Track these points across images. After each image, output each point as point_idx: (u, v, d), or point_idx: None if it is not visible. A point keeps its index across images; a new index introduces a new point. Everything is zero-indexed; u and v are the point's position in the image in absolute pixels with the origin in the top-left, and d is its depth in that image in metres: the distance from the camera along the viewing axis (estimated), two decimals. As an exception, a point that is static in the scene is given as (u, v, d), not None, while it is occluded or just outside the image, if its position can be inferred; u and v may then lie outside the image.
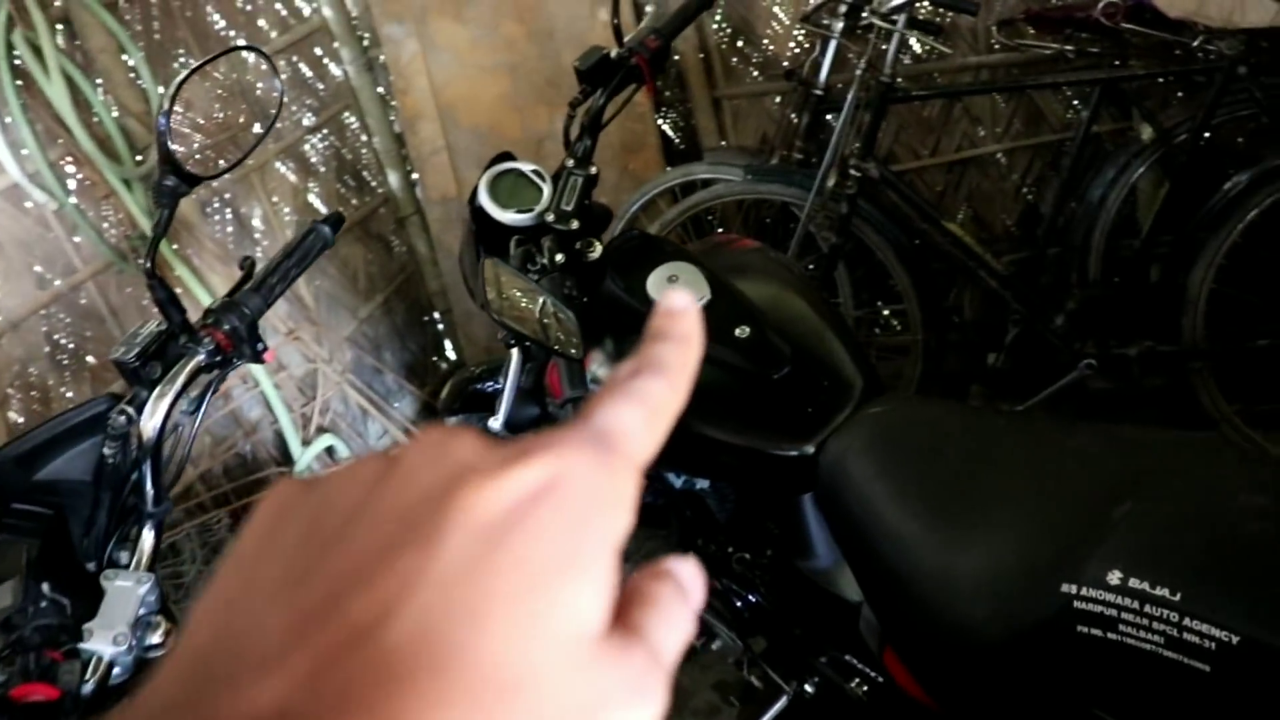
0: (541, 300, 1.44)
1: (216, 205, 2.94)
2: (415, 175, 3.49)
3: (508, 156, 1.85)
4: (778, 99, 3.26)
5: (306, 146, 3.26)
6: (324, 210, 3.34)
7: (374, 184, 3.55)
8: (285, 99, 1.54)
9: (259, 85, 2.96)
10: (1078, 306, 2.67)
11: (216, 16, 2.99)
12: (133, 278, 2.65)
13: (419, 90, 3.21)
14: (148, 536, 1.17)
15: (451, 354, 3.87)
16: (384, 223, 3.57)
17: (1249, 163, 2.46)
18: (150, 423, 1.13)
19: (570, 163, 1.78)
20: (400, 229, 3.59)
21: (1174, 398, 2.65)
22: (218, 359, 1.17)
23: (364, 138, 3.49)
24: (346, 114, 3.41)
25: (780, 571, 1.79)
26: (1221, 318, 2.57)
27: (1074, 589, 1.05)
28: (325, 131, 3.33)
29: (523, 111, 3.21)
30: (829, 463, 1.43)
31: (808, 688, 1.79)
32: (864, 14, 2.57)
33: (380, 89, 3.45)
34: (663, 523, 2.90)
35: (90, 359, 2.62)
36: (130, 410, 1.15)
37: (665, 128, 3.41)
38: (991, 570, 1.17)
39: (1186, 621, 0.96)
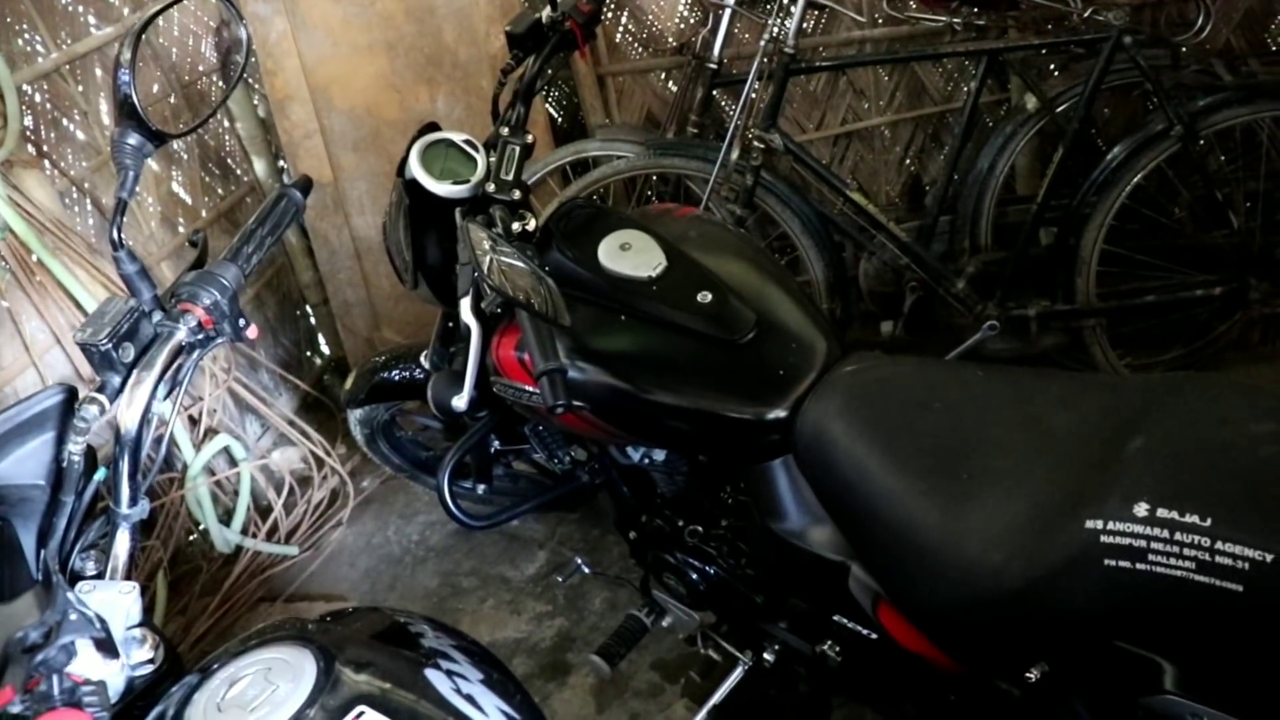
0: (524, 266, 1.39)
1: (76, 196, 2.74)
2: (284, 162, 3.34)
3: (434, 127, 1.78)
4: (663, 75, 3.26)
5: (166, 132, 3.07)
6: (189, 201, 3.16)
7: (239, 172, 3.38)
8: (250, 48, 1.44)
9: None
10: (977, 271, 2.76)
11: (63, -9, 2.78)
12: (-11, 276, 2.45)
13: (289, 71, 3.06)
14: (123, 541, 1.06)
15: (326, 348, 3.73)
16: (251, 213, 3.39)
17: (1131, 129, 2.60)
18: (129, 412, 1.03)
19: (505, 131, 1.73)
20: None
21: (1068, 353, 2.78)
22: (199, 337, 1.08)
23: (226, 123, 3.31)
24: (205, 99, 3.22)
25: (744, 537, 1.79)
26: (1111, 276, 2.71)
27: (1100, 524, 1.07)
28: (185, 118, 3.14)
29: (401, 91, 3.11)
30: (809, 426, 1.42)
31: (767, 655, 1.79)
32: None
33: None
34: (571, 506, 2.89)
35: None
36: (102, 399, 1.04)
37: (549, 106, 3.37)
38: (1004, 515, 1.19)
39: (1219, 545, 1.00)
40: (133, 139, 1.06)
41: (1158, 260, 2.71)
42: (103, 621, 0.83)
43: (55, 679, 0.79)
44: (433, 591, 2.73)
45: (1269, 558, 0.97)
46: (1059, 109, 2.75)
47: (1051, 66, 2.98)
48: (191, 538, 2.89)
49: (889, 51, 2.96)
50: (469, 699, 0.84)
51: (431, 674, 0.86)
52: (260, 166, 3.35)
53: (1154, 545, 1.04)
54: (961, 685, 1.47)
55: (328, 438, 3.16)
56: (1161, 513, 1.04)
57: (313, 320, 3.68)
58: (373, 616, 1.03)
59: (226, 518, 2.87)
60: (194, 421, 2.74)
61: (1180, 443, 1.11)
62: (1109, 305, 2.69)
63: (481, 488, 2.32)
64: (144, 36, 1.10)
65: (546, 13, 1.78)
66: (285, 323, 3.51)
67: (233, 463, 2.84)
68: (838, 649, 1.63)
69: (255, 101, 3.32)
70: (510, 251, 1.40)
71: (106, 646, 0.85)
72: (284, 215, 1.21)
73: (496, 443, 2.32)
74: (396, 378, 2.41)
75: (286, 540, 2.94)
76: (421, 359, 2.38)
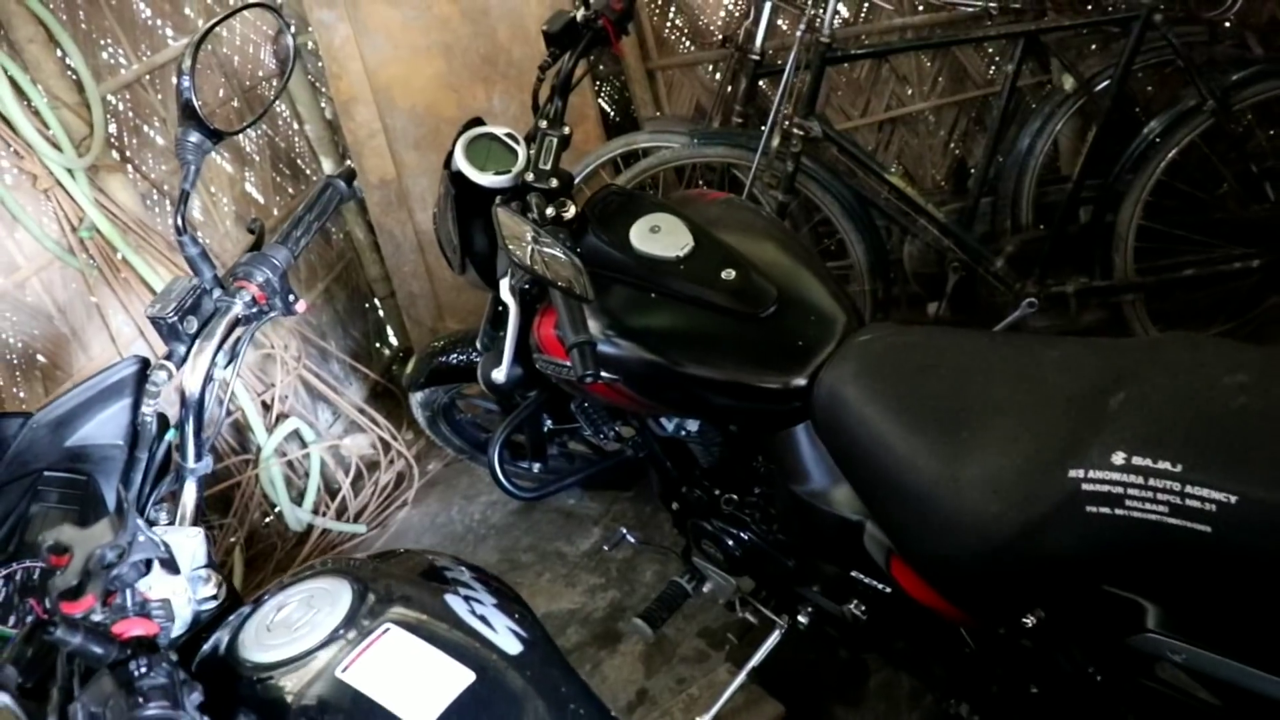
0: (554, 248, 1.49)
1: (156, 197, 2.92)
2: (350, 161, 3.49)
3: (478, 122, 1.89)
4: (710, 67, 3.35)
5: (240, 137, 3.24)
6: (261, 200, 3.33)
7: (308, 172, 3.55)
8: (297, 55, 1.56)
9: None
10: (1016, 250, 2.81)
11: (142, 5, 2.96)
12: (78, 273, 2.63)
13: (353, 74, 3.21)
14: (190, 492, 1.19)
15: (394, 339, 3.89)
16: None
17: (1168, 105, 2.62)
18: (193, 376, 1.16)
19: (544, 124, 1.83)
20: (337, 215, 3.59)
21: (1108, 329, 2.81)
22: (254, 310, 1.20)
23: (296, 125, 3.48)
24: (278, 103, 3.40)
25: (774, 503, 1.88)
26: (1149, 251, 2.74)
27: (1081, 473, 1.15)
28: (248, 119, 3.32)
29: (459, 91, 3.24)
30: (825, 391, 1.51)
31: (801, 618, 1.88)
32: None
33: (310, 76, 3.45)
34: (625, 485, 2.99)
35: (40, 357, 2.59)
36: (170, 365, 1.17)
37: (601, 101, 3.48)
38: (998, 470, 1.26)
39: (1188, 489, 1.07)
40: (194, 137, 1.19)
41: (1195, 235, 2.73)
42: (166, 545, 0.96)
43: (129, 593, 0.91)
44: (492, 566, 2.85)
45: (1233, 499, 1.04)
46: (1096, 88, 2.78)
47: (1093, 46, 3.00)
48: (267, 519, 3.06)
49: (927, 37, 3.01)
50: (482, 619, 0.95)
51: (451, 599, 0.98)
52: (328, 165, 3.52)
53: (1130, 491, 1.11)
54: (973, 637, 1.55)
55: (394, 424, 3.31)
56: (1137, 460, 1.11)
57: (380, 313, 3.84)
58: (407, 557, 1.15)
59: (299, 498, 3.02)
60: (267, 407, 2.90)
61: (1158, 395, 1.17)
62: (1147, 280, 2.72)
63: (537, 466, 2.44)
64: (205, 46, 1.24)
65: (581, 12, 1.88)
66: (354, 315, 3.68)
67: (304, 446, 3.00)
68: (862, 608, 1.72)
69: (322, 104, 3.48)
70: (543, 235, 1.51)
71: (170, 567, 0.97)
72: (329, 202, 1.33)
73: (549, 422, 2.43)
74: (454, 361, 2.53)
75: (355, 519, 3.09)
76: (476, 342, 2.51)
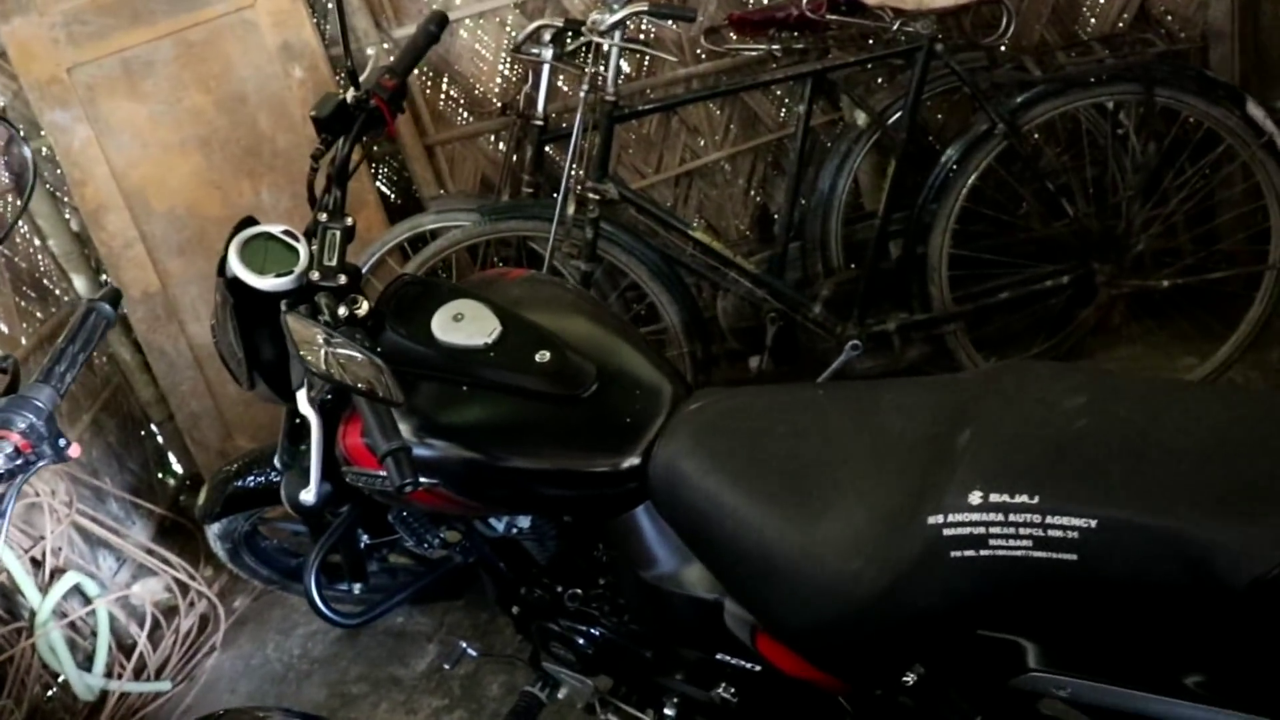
0: (351, 349, 1.43)
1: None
2: (107, 277, 3.32)
3: (251, 221, 1.82)
4: (492, 138, 3.35)
5: (-28, 262, 3.04)
6: (5, 330, 3.12)
7: (58, 292, 3.35)
8: (37, 169, 1.46)
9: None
10: (831, 293, 2.90)
11: None
12: None
13: (99, 179, 3.06)
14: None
15: (178, 466, 3.68)
16: (77, 334, 3.35)
17: (960, 133, 2.77)
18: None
19: (324, 217, 1.77)
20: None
21: (934, 361, 2.93)
22: (17, 463, 1.10)
23: (38, 241, 3.29)
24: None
25: (622, 593, 1.84)
26: (964, 279, 2.87)
27: (940, 519, 1.16)
28: (-9, 242, 3.12)
29: (222, 187, 3.13)
30: (660, 468, 1.50)
31: (668, 710, 1.85)
32: (580, 34, 2.70)
33: (49, 186, 3.27)
34: (455, 594, 2.91)
35: None
36: (-87, 544, 1.06)
37: (380, 184, 3.42)
38: (852, 527, 1.27)
39: (1049, 519, 1.10)
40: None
41: (1005, 258, 2.88)
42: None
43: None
44: (322, 705, 2.71)
45: (1093, 523, 1.07)
46: (889, 121, 2.91)
47: (880, 80, 3.16)
48: (50, 691, 2.82)
49: (714, 85, 3.09)
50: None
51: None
52: (80, 283, 3.33)
53: (992, 530, 1.13)
54: (851, 703, 1.55)
55: (191, 560, 3.13)
56: (994, 497, 1.13)
57: (160, 439, 3.64)
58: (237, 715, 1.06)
59: (87, 662, 2.80)
60: (37, 564, 2.69)
61: (1003, 428, 1.21)
62: (965, 309, 2.85)
63: (358, 587, 2.33)
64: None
65: (351, 93, 1.84)
66: (130, 445, 3.47)
67: (87, 601, 2.79)
68: (731, 690, 1.69)
69: (66, 215, 3.30)
70: (338, 338, 1.45)
71: None
72: (94, 329, 1.24)
73: (366, 537, 2.34)
74: (252, 484, 2.42)
75: (157, 676, 2.89)
76: (276, 461, 2.40)
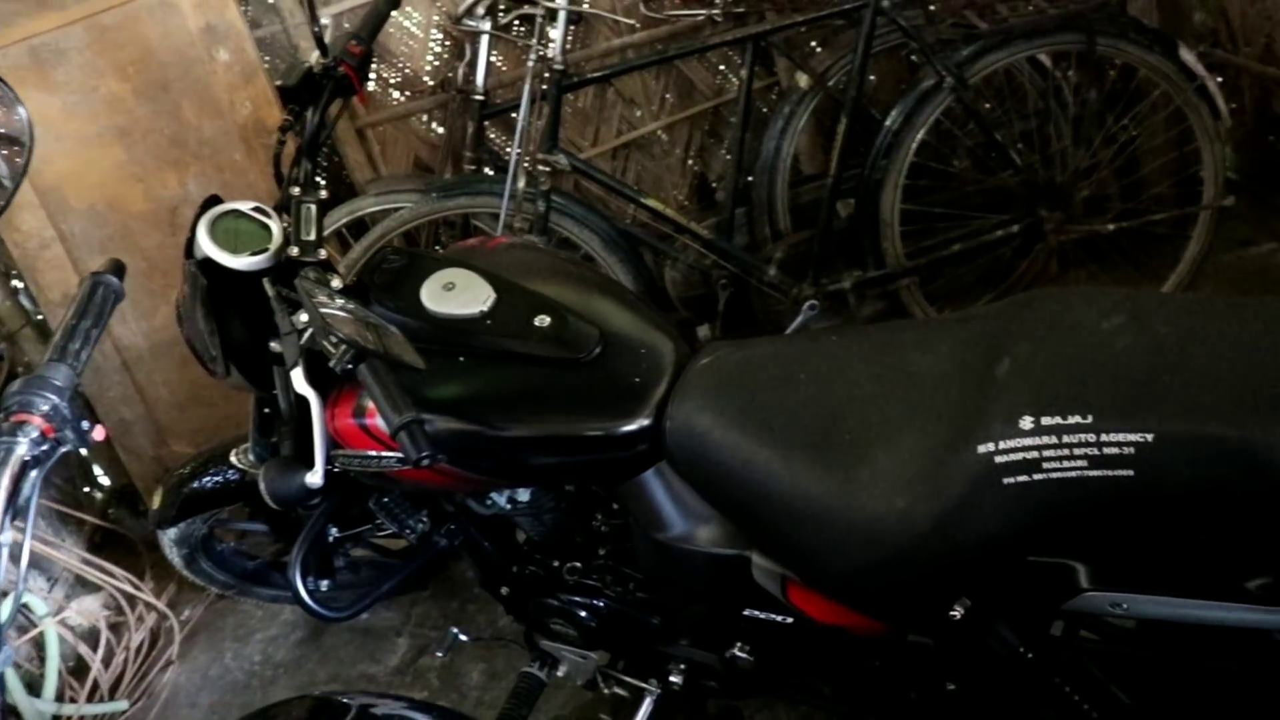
0: (361, 320, 1.40)
1: None
2: (19, 281, 3.19)
3: (216, 200, 1.76)
4: (424, 117, 3.29)
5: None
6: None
7: (-32, 301, 3.20)
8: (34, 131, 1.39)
9: None
10: (786, 254, 2.92)
11: None
12: None
13: (11, 178, 2.93)
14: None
15: (106, 478, 3.55)
16: (-1, 342, 3.22)
17: (907, 89, 2.81)
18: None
19: (296, 190, 1.73)
20: (14, 346, 3.25)
21: (889, 317, 2.97)
22: (42, 448, 1.04)
23: (-58, 251, 3.14)
24: (-84, 226, 3.05)
25: (627, 562, 1.83)
26: (915, 234, 2.92)
27: (991, 446, 1.18)
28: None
29: (145, 180, 3.02)
30: (679, 426, 1.49)
31: (674, 678, 1.84)
32: (525, 5, 2.68)
33: (-48, 189, 3.12)
34: (422, 584, 2.86)
35: None
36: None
37: (309, 170, 3.34)
38: (897, 464, 1.28)
39: (1104, 437, 1.12)
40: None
41: (956, 210, 2.93)
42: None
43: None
44: (291, 710, 2.64)
45: (1149, 437, 1.09)
46: (829, 82, 2.94)
47: (814, 44, 3.18)
48: (-2, 722, 2.71)
49: (661, 52, 3.08)
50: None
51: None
52: (-9, 290, 3.19)
53: (1046, 453, 1.15)
54: (880, 648, 1.56)
55: (132, 572, 3.02)
56: (1046, 421, 1.15)
57: (84, 452, 3.50)
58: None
59: (33, 689, 2.69)
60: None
61: (1044, 354, 1.22)
62: (918, 263, 2.90)
63: (325, 583, 2.28)
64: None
65: (316, 58, 1.79)
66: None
67: (30, 624, 2.68)
68: (748, 649, 1.70)
69: (-26, 221, 3.15)
70: (345, 306, 1.41)
71: None
72: (104, 303, 1.19)
73: (335, 531, 2.29)
74: (209, 485, 2.34)
75: (111, 695, 2.79)
76: (232, 458, 2.33)
